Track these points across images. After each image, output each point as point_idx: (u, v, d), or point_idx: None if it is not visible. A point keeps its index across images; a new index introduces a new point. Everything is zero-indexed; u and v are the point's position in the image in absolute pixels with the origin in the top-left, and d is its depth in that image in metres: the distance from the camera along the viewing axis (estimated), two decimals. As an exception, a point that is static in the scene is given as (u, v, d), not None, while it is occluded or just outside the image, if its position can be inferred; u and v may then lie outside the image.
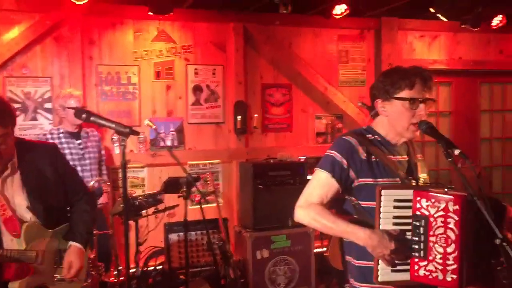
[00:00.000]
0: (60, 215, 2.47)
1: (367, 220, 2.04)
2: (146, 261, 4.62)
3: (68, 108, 4.02)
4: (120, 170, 4.74)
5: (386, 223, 1.98)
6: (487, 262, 1.97)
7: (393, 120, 2.13)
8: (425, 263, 1.93)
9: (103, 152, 4.53)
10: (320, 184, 2.12)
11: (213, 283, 4.20)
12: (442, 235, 1.90)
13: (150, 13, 4.60)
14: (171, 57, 5.10)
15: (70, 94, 4.22)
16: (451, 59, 6.06)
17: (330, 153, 2.13)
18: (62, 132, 4.20)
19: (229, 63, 5.26)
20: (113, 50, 4.91)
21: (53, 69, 4.71)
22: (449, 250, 1.89)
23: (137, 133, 2.21)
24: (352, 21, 5.56)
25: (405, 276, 1.97)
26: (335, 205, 2.20)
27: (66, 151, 4.11)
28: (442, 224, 1.90)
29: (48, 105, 4.68)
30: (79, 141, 4.24)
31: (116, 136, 4.84)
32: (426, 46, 5.99)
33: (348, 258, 2.19)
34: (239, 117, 5.19)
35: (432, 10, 4.86)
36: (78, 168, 4.08)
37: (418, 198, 1.94)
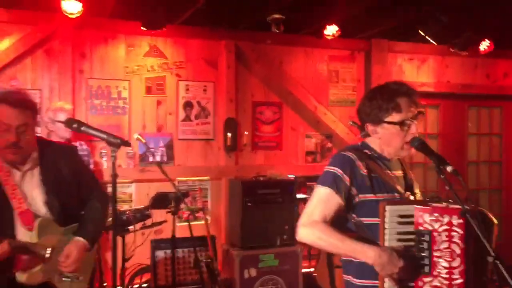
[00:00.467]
0: (73, 214, 2.51)
1: (369, 237, 2.01)
2: (132, 279, 4.53)
3: (58, 121, 3.97)
4: (108, 185, 4.71)
5: (391, 239, 1.95)
6: (481, 280, 1.95)
7: (387, 142, 2.12)
8: (430, 279, 1.91)
9: (92, 166, 4.47)
10: (323, 201, 2.05)
11: (199, 301, 4.12)
12: (447, 250, 1.88)
13: (143, 28, 4.60)
14: (162, 72, 5.10)
15: (61, 108, 4.16)
16: (439, 82, 6.15)
17: (331, 169, 2.08)
18: None
19: (220, 80, 5.27)
20: (104, 64, 4.89)
21: (43, 82, 4.68)
22: (454, 264, 1.87)
23: (128, 144, 2.19)
24: (343, 42, 5.63)
25: None
26: (336, 225, 2.15)
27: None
28: (447, 239, 1.88)
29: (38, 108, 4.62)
30: (67, 155, 4.18)
31: (105, 150, 4.79)
32: (415, 69, 6.08)
33: (346, 277, 2.14)
34: (229, 134, 5.18)
35: (421, 33, 4.94)
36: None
37: (421, 213, 1.93)
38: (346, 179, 2.04)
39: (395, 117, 2.06)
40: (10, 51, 4.50)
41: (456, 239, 1.87)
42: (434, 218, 1.91)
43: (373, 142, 2.18)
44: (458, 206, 1.91)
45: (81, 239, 2.45)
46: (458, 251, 1.87)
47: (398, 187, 2.09)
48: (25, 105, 2.27)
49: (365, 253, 1.93)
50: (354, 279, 2.10)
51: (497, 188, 6.62)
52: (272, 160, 5.54)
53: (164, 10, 4.51)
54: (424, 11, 4.68)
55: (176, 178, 5.03)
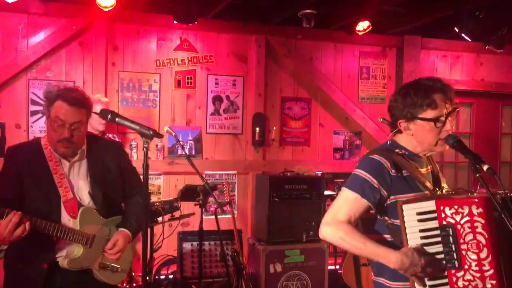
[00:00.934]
0: (114, 206, 2.61)
1: (401, 239, 1.98)
2: (158, 270, 4.60)
3: (93, 112, 4.04)
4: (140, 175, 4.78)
5: (413, 238, 1.92)
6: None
7: (420, 138, 2.08)
8: (462, 273, 1.87)
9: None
10: (348, 203, 2.03)
11: (225, 294, 4.16)
12: (472, 241, 1.84)
13: (175, 22, 4.64)
14: (192, 66, 5.13)
15: (98, 100, 4.22)
16: (473, 80, 6.01)
17: (359, 172, 2.05)
18: None
19: (250, 74, 5.27)
20: (136, 57, 4.96)
21: (76, 74, 4.77)
22: (482, 255, 1.83)
23: (160, 136, 2.21)
24: (374, 38, 5.56)
25: None
26: (366, 226, 2.15)
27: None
28: (470, 230, 1.85)
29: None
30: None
31: (135, 143, 4.86)
32: (448, 66, 5.95)
33: (379, 279, 2.11)
34: (257, 129, 5.19)
35: (456, 29, 4.82)
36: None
37: (442, 207, 1.89)
38: (375, 182, 2.01)
39: (429, 113, 2.02)
40: (46, 43, 4.61)
41: (479, 229, 1.83)
42: (455, 211, 1.86)
43: (404, 140, 2.13)
44: (478, 195, 1.87)
45: (126, 230, 2.55)
46: (483, 241, 1.83)
47: (428, 184, 2.05)
48: (81, 103, 2.37)
49: (387, 258, 1.92)
50: (388, 282, 2.07)
51: (531, 190, 6.43)
52: (299, 156, 5.52)
53: (196, 4, 4.54)
54: (460, 7, 4.56)
55: (204, 172, 5.07)
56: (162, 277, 4.68)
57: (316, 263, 4.62)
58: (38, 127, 4.63)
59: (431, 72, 5.83)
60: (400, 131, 2.12)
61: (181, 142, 4.98)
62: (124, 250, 2.53)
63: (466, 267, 1.86)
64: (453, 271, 1.89)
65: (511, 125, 6.39)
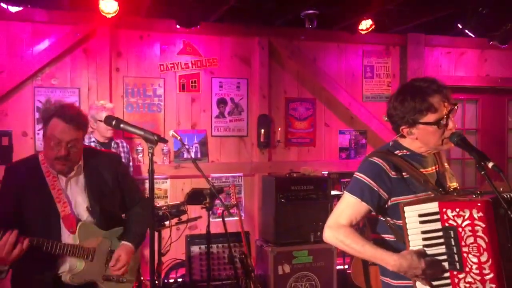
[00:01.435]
0: (114, 219, 2.62)
1: (403, 240, 2.00)
2: (167, 273, 4.61)
3: (99, 120, 4.07)
4: (143, 180, 4.80)
5: (415, 239, 1.94)
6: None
7: (424, 140, 2.08)
8: (463, 275, 1.88)
9: (131, 163, 4.57)
10: (349, 207, 2.09)
11: (234, 297, 4.16)
12: (473, 245, 1.85)
13: (178, 26, 4.65)
14: (196, 70, 5.15)
15: (103, 107, 4.26)
16: (478, 76, 5.98)
17: (359, 176, 2.10)
18: (93, 141, 4.26)
19: (254, 76, 5.28)
20: (140, 63, 4.98)
21: (81, 80, 4.80)
22: (482, 259, 1.83)
23: (165, 141, 2.23)
24: (377, 36, 5.55)
25: None
26: (370, 226, 2.18)
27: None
28: (471, 233, 1.84)
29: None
30: (108, 151, 4.29)
31: (140, 147, 4.89)
32: (452, 63, 5.93)
33: (384, 279, 2.15)
34: (262, 131, 5.19)
35: (459, 26, 4.81)
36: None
37: (444, 210, 1.90)
38: (374, 186, 2.04)
39: (430, 117, 2.02)
40: (50, 50, 4.65)
41: (480, 233, 1.83)
42: (456, 214, 1.87)
43: (408, 141, 2.14)
44: (480, 198, 1.87)
45: (128, 243, 2.56)
46: (484, 245, 1.83)
47: (430, 185, 2.05)
48: (77, 121, 2.37)
49: (385, 260, 1.96)
50: (392, 281, 2.10)
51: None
52: (305, 157, 5.52)
53: (199, 8, 4.56)
54: (463, 4, 4.55)
55: (210, 174, 5.09)
56: (171, 280, 4.69)
57: (324, 264, 4.62)
58: (45, 134, 4.65)
59: (436, 69, 5.81)
60: (404, 136, 2.13)
61: (186, 146, 4.99)
62: (129, 263, 2.53)
63: (467, 269, 1.87)
64: (455, 273, 1.90)
65: (518, 121, 6.35)
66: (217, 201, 3.90)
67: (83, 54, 4.80)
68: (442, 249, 1.92)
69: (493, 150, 6.09)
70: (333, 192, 4.84)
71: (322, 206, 4.67)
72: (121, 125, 2.22)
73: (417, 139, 2.09)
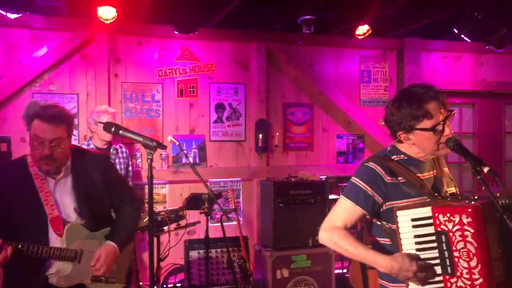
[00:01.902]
0: (103, 220, 2.61)
1: (397, 243, 2.02)
2: (166, 278, 4.62)
3: (99, 122, 4.09)
4: (142, 185, 4.82)
5: (407, 243, 1.98)
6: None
7: (421, 146, 2.11)
8: (455, 279, 1.90)
9: (130, 168, 4.58)
10: (344, 210, 2.14)
11: (232, 301, 4.17)
12: (463, 249, 1.87)
13: (176, 32, 4.68)
14: (194, 75, 5.17)
15: (105, 110, 4.28)
16: (474, 80, 6.02)
17: (355, 180, 2.14)
18: (92, 148, 4.26)
19: (252, 81, 5.31)
20: (138, 68, 5.00)
21: (79, 86, 4.82)
22: (472, 264, 1.86)
23: (164, 147, 2.25)
24: (374, 41, 5.59)
25: None
26: (368, 230, 2.22)
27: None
28: (461, 238, 1.87)
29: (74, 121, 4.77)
30: (107, 157, 4.29)
31: (139, 153, 4.90)
32: (449, 67, 5.97)
33: (382, 282, 2.18)
34: (260, 136, 5.21)
35: (456, 31, 4.84)
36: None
37: (436, 214, 1.93)
38: (369, 190, 2.08)
39: (426, 123, 2.05)
40: (49, 56, 4.66)
41: (469, 238, 1.85)
42: (447, 218, 1.89)
43: (405, 147, 2.17)
44: (471, 203, 1.89)
45: (111, 243, 2.55)
46: (473, 250, 1.85)
47: (426, 189, 2.08)
48: (58, 120, 2.37)
49: (377, 262, 2.00)
50: (388, 284, 2.14)
51: (536, 188, 6.41)
52: (303, 161, 5.54)
53: (196, 14, 4.58)
54: (459, 9, 4.58)
55: (209, 179, 5.10)
56: (170, 285, 4.70)
57: (323, 268, 4.63)
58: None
59: (433, 73, 5.84)
60: (401, 141, 2.16)
61: (184, 151, 5.01)
62: (111, 263, 2.51)
63: (458, 274, 1.89)
64: (447, 277, 1.92)
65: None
66: (215, 206, 3.91)
67: (81, 60, 4.82)
68: (435, 253, 1.94)
69: (490, 153, 6.12)
70: (331, 197, 4.85)
71: (320, 210, 4.67)
72: (120, 132, 2.24)
73: (414, 145, 2.12)
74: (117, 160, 4.37)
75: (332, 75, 5.60)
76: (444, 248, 1.91)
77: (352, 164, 5.60)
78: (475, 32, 4.83)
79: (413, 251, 1.96)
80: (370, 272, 2.87)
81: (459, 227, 1.87)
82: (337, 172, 5.48)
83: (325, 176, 5.28)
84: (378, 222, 2.16)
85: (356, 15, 4.91)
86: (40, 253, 2.32)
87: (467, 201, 1.93)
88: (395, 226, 2.03)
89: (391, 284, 2.12)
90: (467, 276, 1.87)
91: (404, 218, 1.97)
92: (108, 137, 4.21)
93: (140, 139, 2.21)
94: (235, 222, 4.44)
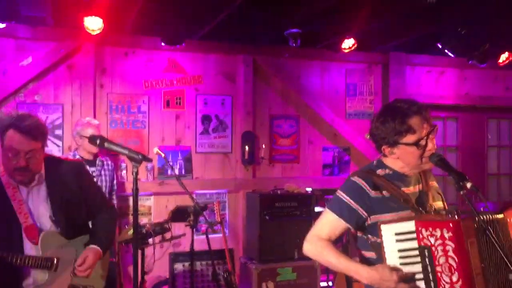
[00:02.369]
0: (80, 227, 2.59)
1: (382, 257, 2.04)
2: (150, 291, 4.57)
3: (84, 136, 4.05)
4: (127, 197, 4.78)
5: (392, 257, 1.99)
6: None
7: (405, 160, 2.14)
8: None
9: (115, 181, 4.53)
10: (328, 223, 2.18)
11: (217, 315, 4.13)
12: (445, 264, 1.90)
13: (163, 44, 4.68)
14: (181, 86, 5.17)
15: (88, 123, 4.23)
16: (458, 94, 6.11)
17: (340, 194, 2.18)
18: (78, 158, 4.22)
19: (238, 94, 5.32)
20: (124, 79, 4.99)
21: (65, 97, 4.78)
22: (454, 279, 1.88)
23: (149, 160, 2.23)
24: (360, 55, 5.65)
25: None
26: (354, 242, 2.24)
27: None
28: (443, 253, 1.90)
29: (58, 132, 4.74)
30: (93, 169, 4.25)
31: (124, 164, 4.86)
32: (433, 81, 6.05)
33: None
34: (246, 148, 5.22)
35: (439, 46, 4.93)
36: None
37: (420, 228, 1.95)
38: (353, 205, 2.12)
39: (410, 138, 2.08)
40: (34, 67, 4.62)
41: (451, 253, 1.88)
42: (430, 233, 1.92)
43: (390, 161, 2.20)
44: (452, 218, 1.92)
45: (96, 246, 2.52)
46: (454, 265, 1.88)
47: (411, 204, 2.10)
48: (34, 131, 2.33)
49: (358, 273, 2.04)
50: None
51: (519, 201, 6.51)
52: (289, 173, 5.55)
53: (183, 26, 4.59)
54: (443, 24, 4.67)
55: (194, 191, 5.08)
56: (154, 299, 4.64)
57: (308, 281, 4.63)
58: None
59: (417, 87, 5.92)
60: (385, 155, 2.18)
61: (170, 163, 4.98)
62: (95, 265, 2.49)
63: None
64: None
65: (497, 138, 6.48)
66: (201, 218, 3.89)
67: (67, 70, 4.79)
68: (418, 267, 1.96)
69: (473, 167, 6.21)
70: (317, 209, 4.86)
71: (306, 223, 4.67)
72: (105, 144, 2.22)
73: (399, 159, 2.15)
74: (102, 172, 4.33)
75: (318, 88, 5.65)
76: (427, 262, 1.92)
77: (338, 177, 5.62)
78: (459, 47, 4.92)
79: (397, 265, 1.98)
80: (355, 285, 2.88)
81: (441, 241, 1.89)
82: (323, 185, 5.49)
83: (311, 189, 5.29)
84: (363, 236, 2.18)
85: (342, 29, 4.96)
86: (15, 261, 2.28)
87: (450, 216, 1.95)
88: (380, 239, 2.04)
89: None
90: None
91: (388, 232, 2.00)
92: (94, 149, 4.18)
93: (126, 152, 2.20)
94: (220, 235, 4.42)
